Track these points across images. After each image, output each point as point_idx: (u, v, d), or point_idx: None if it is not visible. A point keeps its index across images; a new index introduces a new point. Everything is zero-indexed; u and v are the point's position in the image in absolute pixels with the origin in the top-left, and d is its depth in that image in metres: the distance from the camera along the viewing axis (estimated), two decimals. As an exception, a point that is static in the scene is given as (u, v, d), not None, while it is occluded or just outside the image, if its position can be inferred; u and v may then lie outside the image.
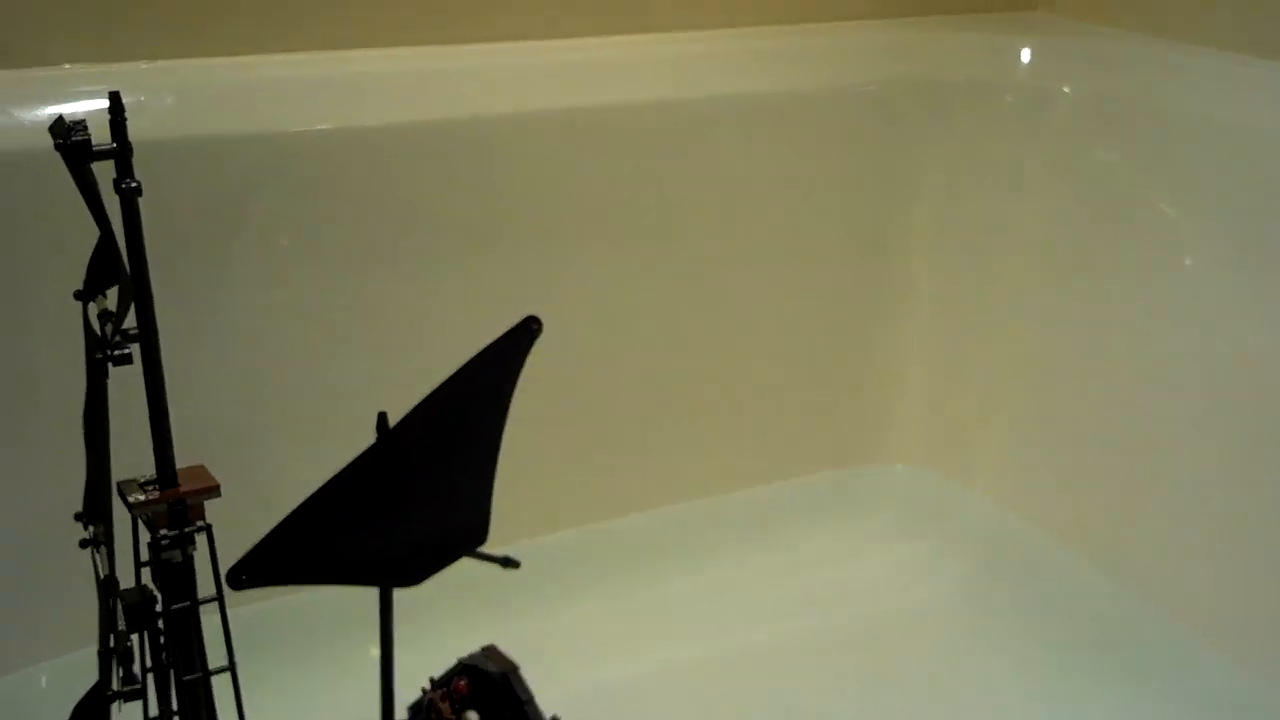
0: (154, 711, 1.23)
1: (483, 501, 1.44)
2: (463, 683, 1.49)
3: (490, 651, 1.53)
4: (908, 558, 2.64)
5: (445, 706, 1.46)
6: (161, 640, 1.18)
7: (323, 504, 1.29)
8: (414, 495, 1.35)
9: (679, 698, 2.14)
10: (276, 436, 2.22)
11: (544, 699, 1.44)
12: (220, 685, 1.19)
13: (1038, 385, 2.60)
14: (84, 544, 1.18)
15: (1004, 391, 2.66)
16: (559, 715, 1.44)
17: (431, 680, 1.52)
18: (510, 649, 1.52)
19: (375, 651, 1.40)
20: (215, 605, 1.18)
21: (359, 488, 1.31)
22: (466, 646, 1.58)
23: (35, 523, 1.93)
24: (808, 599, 2.47)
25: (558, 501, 2.40)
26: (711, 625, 2.38)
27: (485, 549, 1.47)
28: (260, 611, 1.20)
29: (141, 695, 1.09)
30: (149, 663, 1.21)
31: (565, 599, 1.95)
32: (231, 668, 1.18)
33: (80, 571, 1.25)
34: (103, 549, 1.19)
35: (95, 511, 1.21)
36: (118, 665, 1.07)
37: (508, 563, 1.47)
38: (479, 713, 1.47)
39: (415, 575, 1.40)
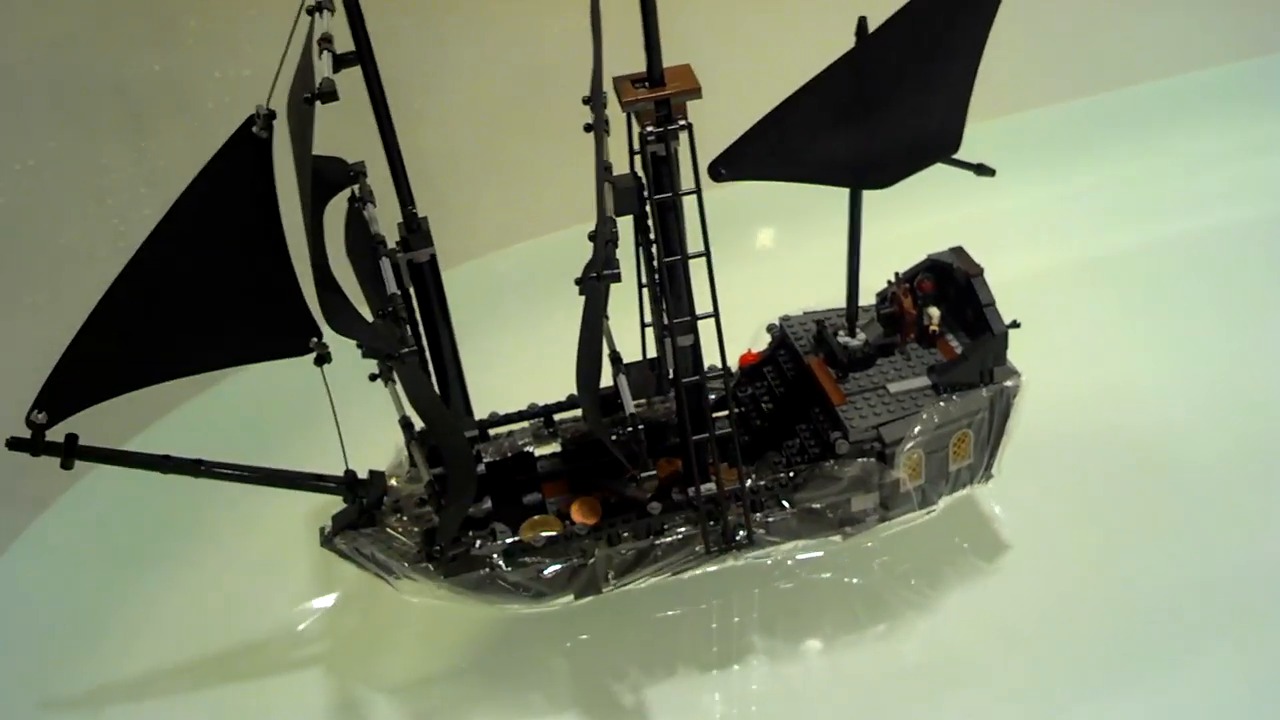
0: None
1: (958, 109, 1.42)
2: (928, 281, 1.55)
3: (959, 253, 1.56)
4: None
5: (908, 300, 1.53)
6: (649, 223, 1.33)
7: (800, 103, 1.33)
8: (890, 99, 1.35)
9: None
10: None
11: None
12: (696, 269, 1.33)
13: None
14: (588, 128, 1.31)
15: None
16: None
17: (896, 274, 1.59)
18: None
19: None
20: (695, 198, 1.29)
21: (836, 89, 1.34)
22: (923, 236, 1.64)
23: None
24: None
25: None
26: (1133, 216, 2.28)
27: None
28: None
29: (619, 278, 1.23)
30: (636, 243, 1.37)
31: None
32: (706, 254, 1.30)
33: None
34: (601, 136, 1.32)
35: (597, 100, 1.34)
36: (605, 248, 1.23)
37: (982, 170, 1.46)
38: (941, 310, 1.54)
39: (887, 178, 1.44)
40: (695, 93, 1.26)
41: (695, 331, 1.35)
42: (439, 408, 1.30)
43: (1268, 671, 1.46)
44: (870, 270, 1.52)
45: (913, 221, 1.91)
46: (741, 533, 1.44)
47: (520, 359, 1.94)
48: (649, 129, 1.26)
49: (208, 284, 1.23)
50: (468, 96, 2.18)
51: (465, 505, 1.34)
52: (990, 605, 1.56)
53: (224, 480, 1.34)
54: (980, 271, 1.52)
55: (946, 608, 1.56)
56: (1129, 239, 2.21)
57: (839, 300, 1.56)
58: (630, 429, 1.32)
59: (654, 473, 1.32)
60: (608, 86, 1.29)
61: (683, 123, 1.27)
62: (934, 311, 1.54)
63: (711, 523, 1.43)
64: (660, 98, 1.25)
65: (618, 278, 1.18)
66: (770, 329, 1.65)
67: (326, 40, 1.11)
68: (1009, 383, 1.50)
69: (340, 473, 1.41)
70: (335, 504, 1.44)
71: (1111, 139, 2.48)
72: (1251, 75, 2.63)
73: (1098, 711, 1.44)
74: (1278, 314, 2.01)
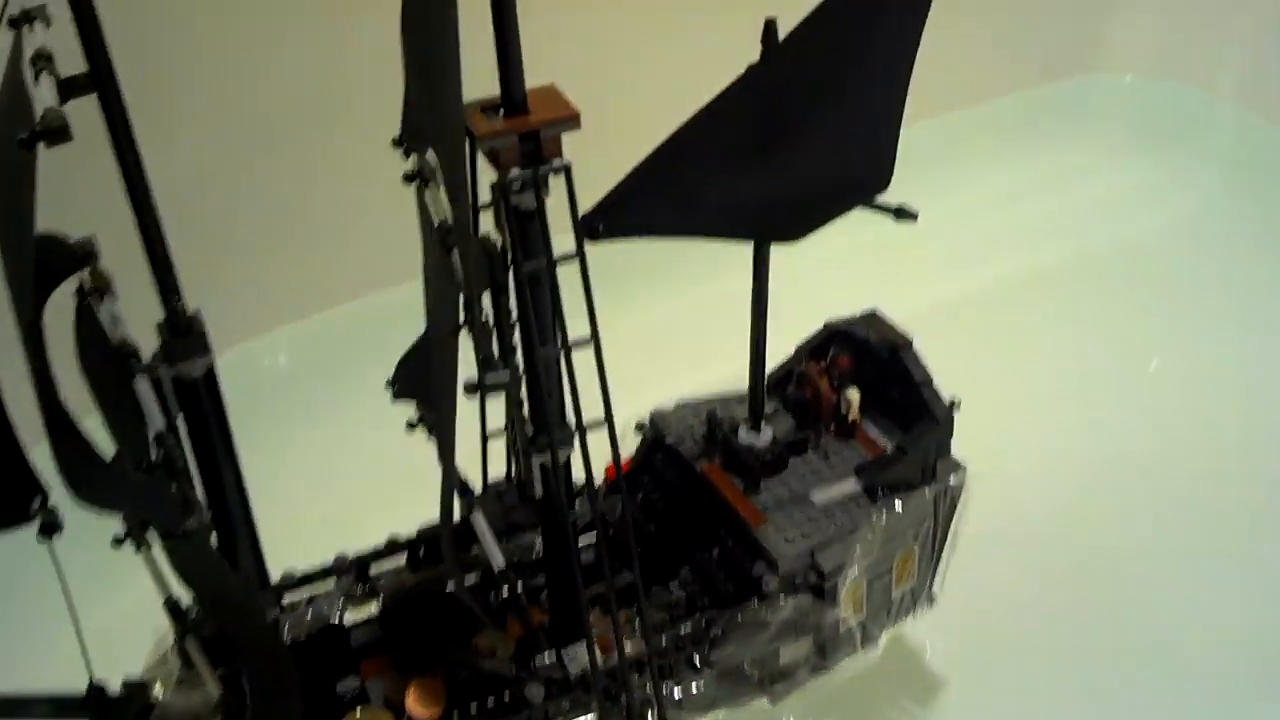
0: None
1: (889, 135, 1.13)
2: (845, 357, 1.23)
3: (874, 320, 1.26)
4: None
5: (825, 383, 1.21)
6: (510, 306, 0.95)
7: (694, 138, 1.00)
8: (805, 124, 1.04)
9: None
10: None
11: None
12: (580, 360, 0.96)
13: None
14: (408, 178, 0.93)
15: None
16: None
17: (798, 349, 1.28)
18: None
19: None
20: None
21: (737, 117, 1.02)
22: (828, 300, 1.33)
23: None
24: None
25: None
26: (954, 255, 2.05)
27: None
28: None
29: (515, 385, 0.88)
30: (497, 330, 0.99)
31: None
32: (594, 339, 0.94)
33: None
34: (430, 185, 0.94)
35: (421, 132, 0.95)
36: (476, 346, 0.85)
37: (902, 214, 1.17)
38: (861, 391, 1.23)
39: (797, 228, 1.12)
40: (572, 121, 0.91)
41: (584, 443, 0.98)
42: (234, 588, 0.88)
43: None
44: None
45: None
46: (650, 713, 1.07)
47: (313, 485, 1.49)
48: (515, 173, 0.89)
49: None
50: (229, 130, 1.71)
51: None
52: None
53: None
54: (909, 343, 1.22)
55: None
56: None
57: (717, 381, 1.26)
58: (505, 584, 0.94)
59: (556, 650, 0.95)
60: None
61: (558, 164, 0.91)
62: (854, 395, 1.23)
63: (611, 703, 1.05)
64: (528, 130, 0.89)
65: (512, 384, 0.81)
66: (640, 428, 1.29)
67: (45, 59, 0.74)
68: (954, 479, 1.20)
69: (82, 688, 0.95)
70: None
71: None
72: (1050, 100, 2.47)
73: None
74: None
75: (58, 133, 0.68)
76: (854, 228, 1.16)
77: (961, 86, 2.27)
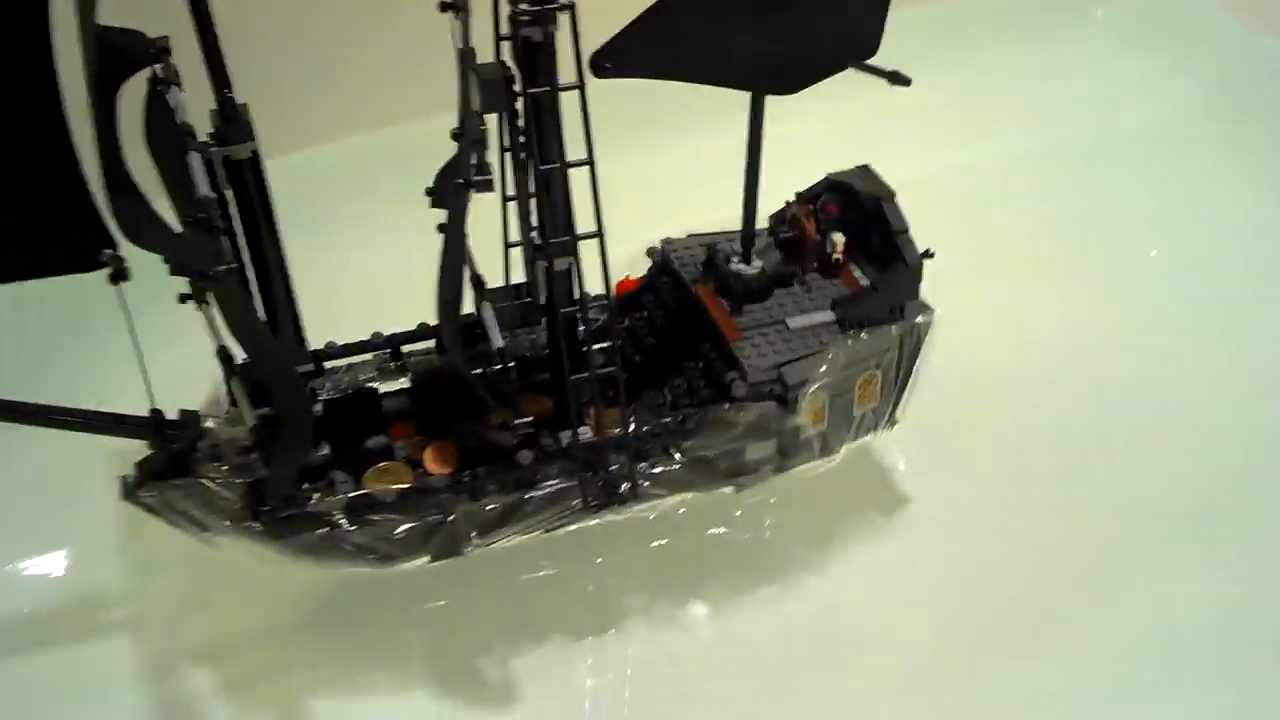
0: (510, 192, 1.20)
1: (879, 6, 1.25)
2: (833, 204, 1.38)
3: (865, 173, 1.39)
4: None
5: (811, 225, 1.36)
6: (520, 124, 1.12)
7: (698, -10, 1.15)
8: (799, -11, 1.18)
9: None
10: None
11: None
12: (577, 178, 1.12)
13: None
14: (443, 7, 1.09)
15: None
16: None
17: (798, 194, 1.42)
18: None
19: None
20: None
21: (739, -27, 1.16)
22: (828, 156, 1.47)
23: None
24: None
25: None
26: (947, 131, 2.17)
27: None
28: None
29: (491, 186, 1.04)
30: (506, 144, 1.17)
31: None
32: (590, 162, 1.10)
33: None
34: (460, 15, 1.10)
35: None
36: (472, 150, 1.02)
37: (896, 78, 1.29)
38: (846, 236, 1.37)
39: (793, 83, 1.26)
40: (580, -35, 1.05)
41: (575, 254, 1.15)
42: (265, 338, 1.08)
43: (1152, 634, 1.37)
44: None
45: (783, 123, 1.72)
46: (625, 485, 1.26)
47: (361, 277, 1.70)
48: (522, 8, 1.05)
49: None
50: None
51: (300, 454, 1.13)
52: (888, 566, 1.42)
53: None
54: (892, 195, 1.35)
55: (842, 568, 1.42)
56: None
57: (726, 222, 1.39)
58: (499, 365, 1.12)
59: (529, 418, 1.13)
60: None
61: (563, 2, 1.06)
62: (839, 238, 1.37)
63: (590, 473, 1.25)
64: (540, -31, 1.04)
65: (489, 186, 0.98)
66: (650, 253, 1.46)
67: None
68: (920, 319, 1.35)
69: (144, 413, 1.17)
70: (134, 450, 1.20)
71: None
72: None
73: (994, 673, 1.32)
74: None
75: None
76: (855, 92, 1.30)
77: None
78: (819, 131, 1.65)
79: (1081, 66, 2.41)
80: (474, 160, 1.02)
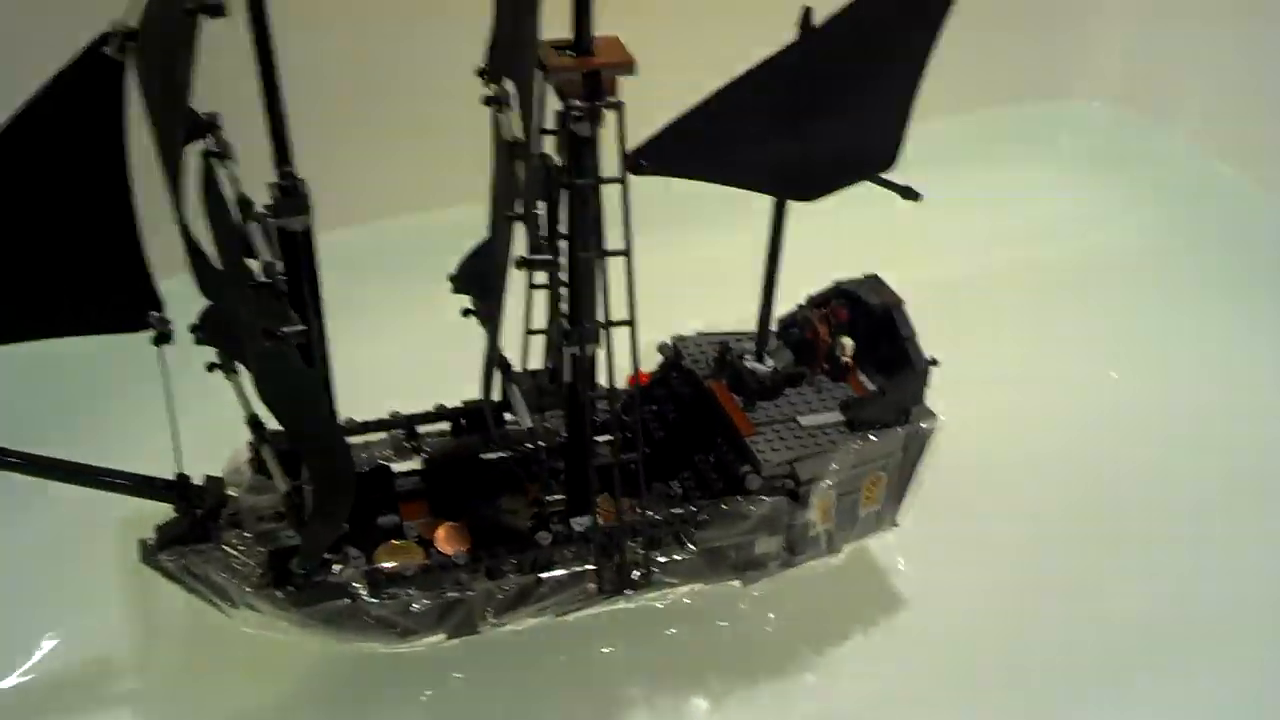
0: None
1: (898, 125, 1.32)
2: (844, 310, 1.43)
3: (874, 282, 1.45)
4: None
5: (824, 328, 1.41)
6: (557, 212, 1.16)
7: (733, 98, 1.20)
8: (828, 105, 1.24)
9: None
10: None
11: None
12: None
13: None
14: (487, 101, 1.14)
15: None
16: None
17: (809, 298, 1.47)
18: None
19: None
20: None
21: (773, 87, 1.22)
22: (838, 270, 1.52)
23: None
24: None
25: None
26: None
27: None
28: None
29: (551, 263, 1.08)
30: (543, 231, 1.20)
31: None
32: (627, 252, 1.15)
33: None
34: (505, 109, 1.15)
35: (502, 66, 1.17)
36: (526, 230, 1.05)
37: (909, 193, 1.36)
38: (855, 342, 1.42)
39: (816, 189, 1.32)
40: (629, 67, 1.11)
41: (609, 342, 1.19)
42: (321, 406, 1.09)
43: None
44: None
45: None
46: (639, 572, 1.28)
47: (382, 355, 1.70)
48: (574, 103, 1.10)
49: (28, 235, 1.01)
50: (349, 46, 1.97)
51: (338, 524, 1.14)
52: (888, 663, 1.43)
53: (18, 473, 1.10)
54: (901, 303, 1.41)
55: (843, 665, 1.43)
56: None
57: (729, 321, 1.45)
58: (530, 445, 1.14)
59: (559, 496, 1.15)
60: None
61: (613, 100, 1.11)
62: (848, 342, 1.42)
63: (607, 558, 1.26)
64: (591, 69, 1.10)
65: (556, 265, 1.02)
66: (662, 348, 1.50)
67: None
68: (925, 424, 1.39)
69: (167, 476, 1.18)
70: (155, 513, 1.20)
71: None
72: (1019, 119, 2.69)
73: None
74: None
75: (215, 8, 0.87)
76: (861, 208, 1.36)
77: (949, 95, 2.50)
78: (828, 239, 1.70)
79: (1043, 190, 2.50)
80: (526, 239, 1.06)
